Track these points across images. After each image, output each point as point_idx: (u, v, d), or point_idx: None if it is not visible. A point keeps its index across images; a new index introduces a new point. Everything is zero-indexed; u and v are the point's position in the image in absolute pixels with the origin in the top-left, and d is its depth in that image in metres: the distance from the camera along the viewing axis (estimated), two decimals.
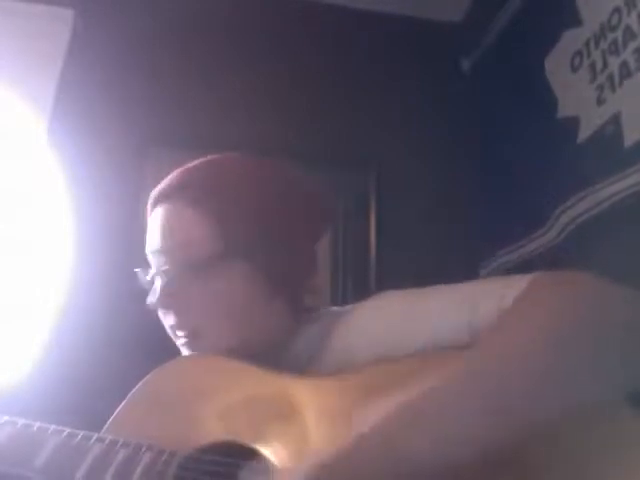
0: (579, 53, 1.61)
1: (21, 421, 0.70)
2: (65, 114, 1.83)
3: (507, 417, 0.54)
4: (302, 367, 0.75)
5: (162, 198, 0.80)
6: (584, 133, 1.56)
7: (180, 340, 0.78)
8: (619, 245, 1.41)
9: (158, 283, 0.77)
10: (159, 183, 0.85)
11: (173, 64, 1.96)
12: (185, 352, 0.79)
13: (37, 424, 0.69)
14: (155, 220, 0.80)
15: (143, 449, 0.65)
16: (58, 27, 1.82)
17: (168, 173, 0.86)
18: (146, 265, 0.81)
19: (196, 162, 0.83)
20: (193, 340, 0.77)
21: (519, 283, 0.63)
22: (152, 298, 0.77)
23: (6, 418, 0.70)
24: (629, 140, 1.40)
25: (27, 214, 1.77)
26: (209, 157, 0.84)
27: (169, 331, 0.80)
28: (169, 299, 0.76)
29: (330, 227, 1.88)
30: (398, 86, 2.10)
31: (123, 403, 0.74)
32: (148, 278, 0.80)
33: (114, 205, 1.79)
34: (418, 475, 0.52)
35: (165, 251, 0.77)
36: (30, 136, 1.79)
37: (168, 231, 0.77)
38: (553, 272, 0.63)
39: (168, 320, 0.78)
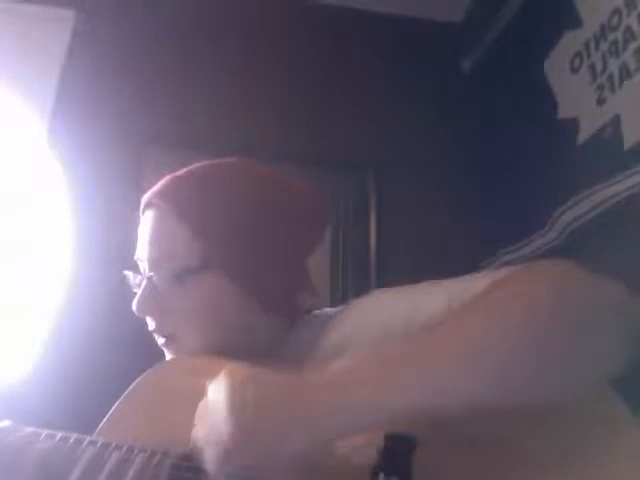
0: (579, 54, 1.61)
1: (14, 425, 0.69)
2: (65, 114, 1.83)
3: (472, 378, 0.54)
4: (297, 369, 0.75)
5: (150, 204, 0.83)
6: (584, 134, 1.56)
7: (160, 341, 0.82)
8: (619, 246, 1.41)
9: (139, 291, 0.80)
10: (158, 183, 0.86)
11: (173, 64, 1.96)
12: (166, 353, 0.82)
13: (30, 428, 0.69)
14: (143, 226, 0.83)
15: (136, 451, 0.65)
16: (58, 27, 1.82)
17: (168, 173, 0.87)
18: (136, 269, 0.84)
19: (186, 170, 0.85)
20: (171, 343, 0.81)
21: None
22: (134, 303, 0.81)
23: (3, 422, 0.70)
24: (629, 141, 1.40)
25: (27, 214, 1.77)
26: (201, 165, 0.85)
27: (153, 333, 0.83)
28: (148, 305, 0.80)
29: (327, 233, 1.89)
30: (398, 86, 2.10)
31: (117, 403, 0.74)
32: (136, 282, 0.83)
33: (114, 205, 1.79)
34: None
35: (149, 259, 0.81)
36: (30, 136, 1.79)
37: (153, 240, 0.81)
38: (534, 262, 0.63)
39: (150, 324, 0.82)
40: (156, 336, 0.83)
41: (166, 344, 0.81)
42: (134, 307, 0.80)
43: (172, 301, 0.79)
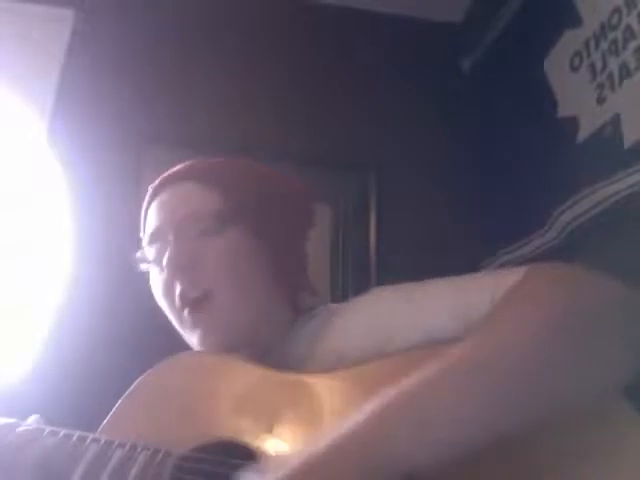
0: (579, 53, 1.61)
1: (19, 422, 0.70)
2: (65, 114, 1.83)
3: (494, 414, 0.53)
4: (298, 365, 0.75)
5: (167, 183, 0.83)
6: (584, 133, 1.56)
7: (185, 312, 0.78)
8: (619, 245, 1.41)
9: (165, 255, 0.78)
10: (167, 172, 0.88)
11: (173, 64, 1.96)
12: (194, 323, 0.78)
13: (34, 425, 0.69)
14: (159, 203, 0.83)
15: (139, 449, 0.65)
16: (58, 27, 1.82)
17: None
18: (146, 246, 0.83)
19: (199, 159, 0.87)
20: (204, 302, 0.77)
21: (513, 276, 0.63)
22: (158, 271, 0.79)
23: (3, 420, 0.70)
24: (629, 140, 1.40)
25: (27, 214, 1.77)
26: (201, 159, 0.88)
27: (171, 310, 0.81)
28: (181, 259, 0.77)
29: (327, 233, 1.90)
30: (398, 86, 2.10)
31: (120, 401, 0.74)
32: (151, 256, 0.82)
33: (114, 205, 1.79)
34: (402, 474, 0.51)
35: (174, 221, 0.80)
36: (30, 136, 1.79)
37: (177, 204, 0.81)
38: (547, 265, 0.63)
39: (174, 290, 0.78)
40: (183, 304, 0.79)
41: (197, 308, 0.78)
42: (165, 265, 0.78)
43: (205, 253, 0.78)
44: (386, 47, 2.13)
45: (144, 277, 0.86)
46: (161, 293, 0.81)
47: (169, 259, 0.78)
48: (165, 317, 0.87)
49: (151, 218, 0.84)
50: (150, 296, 0.85)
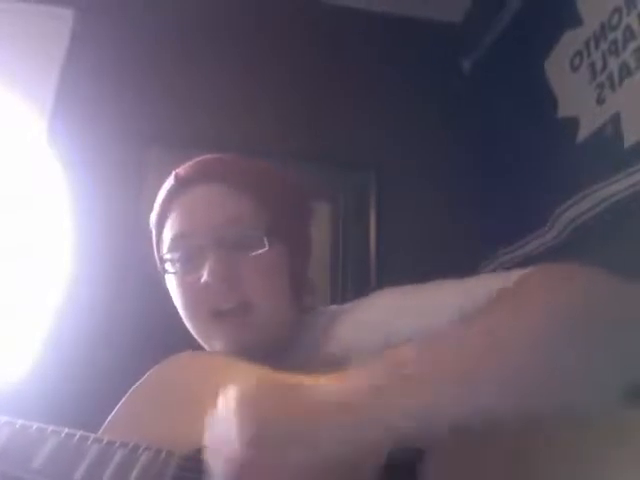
0: (579, 53, 1.61)
1: (20, 422, 0.69)
2: (65, 114, 1.83)
3: (492, 389, 0.52)
4: (301, 366, 0.75)
5: (199, 180, 0.81)
6: (584, 133, 1.56)
7: (218, 319, 0.77)
8: (619, 245, 1.41)
9: (206, 264, 0.77)
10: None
11: (173, 64, 1.96)
12: (220, 329, 0.78)
13: (35, 425, 0.69)
14: (186, 204, 0.80)
15: (141, 449, 0.65)
16: (58, 27, 1.82)
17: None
18: (174, 248, 0.80)
19: (219, 155, 0.85)
20: (243, 313, 0.77)
21: (518, 277, 0.63)
22: (198, 276, 0.77)
23: (5, 419, 0.70)
24: (629, 140, 1.40)
25: (27, 214, 1.77)
26: (225, 154, 0.86)
27: (197, 316, 0.79)
28: (223, 275, 0.76)
29: (328, 233, 1.91)
30: (398, 86, 2.10)
31: (122, 401, 0.74)
32: (177, 259, 0.80)
33: (114, 205, 1.79)
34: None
35: (211, 225, 0.78)
36: (30, 136, 1.79)
37: (214, 207, 0.79)
38: (553, 264, 0.63)
39: (207, 297, 0.77)
40: (218, 312, 0.77)
41: (233, 313, 0.77)
42: (206, 274, 0.76)
43: (247, 265, 0.77)
44: (387, 47, 2.13)
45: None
46: (188, 298, 0.80)
47: (212, 269, 0.76)
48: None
49: (176, 218, 0.81)
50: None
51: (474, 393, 0.52)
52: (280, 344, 0.80)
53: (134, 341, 1.59)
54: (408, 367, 0.53)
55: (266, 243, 0.77)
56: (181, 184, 0.82)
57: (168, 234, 0.82)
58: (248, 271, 0.77)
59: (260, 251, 0.77)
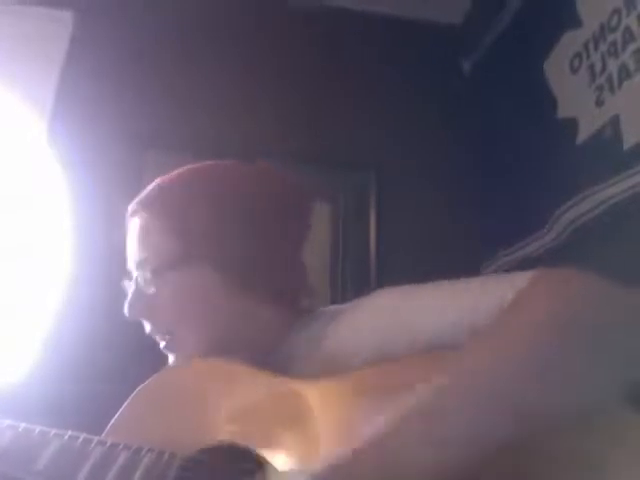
0: (578, 54, 1.61)
1: (22, 425, 0.70)
2: (65, 114, 1.83)
3: (502, 417, 0.54)
4: (300, 369, 0.75)
5: (134, 211, 0.86)
6: (583, 134, 1.56)
7: (162, 344, 0.83)
8: (619, 246, 1.41)
9: (129, 293, 0.82)
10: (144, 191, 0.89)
11: (173, 65, 1.96)
12: (169, 355, 0.83)
13: (38, 428, 0.69)
14: (130, 234, 0.86)
15: (144, 451, 0.65)
16: (57, 29, 1.82)
17: (169, 173, 0.87)
18: (129, 277, 0.86)
19: (174, 173, 0.87)
20: (171, 344, 0.82)
21: (520, 281, 0.63)
22: (124, 308, 0.82)
23: (8, 422, 0.70)
24: (628, 142, 1.40)
25: (27, 214, 1.77)
26: (186, 168, 0.88)
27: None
28: (136, 307, 0.82)
29: (328, 232, 1.91)
30: (398, 87, 2.10)
31: (126, 403, 0.74)
32: (129, 289, 0.84)
33: (114, 206, 1.79)
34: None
35: (135, 262, 0.83)
36: (30, 136, 1.79)
37: (137, 244, 0.83)
38: (554, 270, 0.63)
39: (146, 327, 0.84)
40: (157, 339, 0.83)
41: (167, 346, 0.82)
42: (125, 312, 0.82)
43: (157, 298, 0.80)
44: (387, 48, 2.13)
45: None
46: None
47: (127, 304, 0.82)
48: None
49: (128, 245, 0.86)
50: None
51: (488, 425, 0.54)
52: (262, 348, 0.80)
53: (134, 342, 1.59)
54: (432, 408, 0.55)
55: (181, 270, 0.80)
56: (128, 215, 0.88)
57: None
58: (161, 301, 0.80)
59: (174, 278, 0.80)
